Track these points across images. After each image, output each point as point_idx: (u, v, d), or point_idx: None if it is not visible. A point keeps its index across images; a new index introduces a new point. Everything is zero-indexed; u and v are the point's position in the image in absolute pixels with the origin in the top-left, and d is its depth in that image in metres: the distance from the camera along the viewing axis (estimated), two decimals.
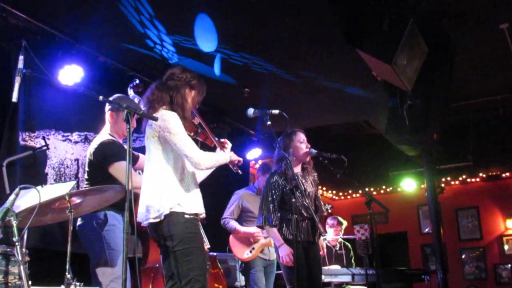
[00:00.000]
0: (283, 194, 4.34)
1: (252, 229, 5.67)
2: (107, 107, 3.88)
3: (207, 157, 3.09)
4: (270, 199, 4.35)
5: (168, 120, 3.01)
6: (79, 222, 3.66)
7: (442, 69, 5.91)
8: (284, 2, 5.01)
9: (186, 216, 2.95)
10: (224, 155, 3.30)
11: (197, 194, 3.11)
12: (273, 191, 4.36)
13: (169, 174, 3.01)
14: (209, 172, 3.43)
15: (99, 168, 3.63)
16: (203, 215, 3.13)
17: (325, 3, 5.00)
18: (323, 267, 6.51)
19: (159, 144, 3.06)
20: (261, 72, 6.44)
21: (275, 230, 4.34)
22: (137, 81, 4.21)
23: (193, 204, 3.02)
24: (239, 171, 3.51)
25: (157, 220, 2.93)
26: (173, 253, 2.91)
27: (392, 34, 5.01)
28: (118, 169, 3.54)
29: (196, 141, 3.23)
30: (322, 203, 4.77)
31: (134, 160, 3.95)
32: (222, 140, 3.48)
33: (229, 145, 3.53)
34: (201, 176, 3.37)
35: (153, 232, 3.03)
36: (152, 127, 3.06)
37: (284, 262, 4.22)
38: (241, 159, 3.43)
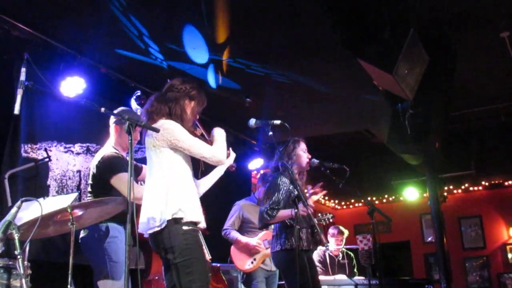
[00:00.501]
0: (288, 198, 4.28)
1: (253, 240, 5.65)
2: (112, 120, 3.90)
3: (219, 150, 3.15)
4: (276, 199, 4.27)
5: (172, 128, 3.01)
6: (82, 234, 3.67)
7: (443, 77, 5.92)
8: (284, 11, 5.03)
9: (185, 227, 2.93)
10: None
11: (196, 202, 3.09)
12: (281, 191, 4.29)
13: (170, 182, 2.99)
14: (214, 179, 3.53)
15: (102, 181, 3.63)
16: (203, 225, 3.10)
17: (326, 12, 5.01)
18: (327, 277, 6.53)
19: (160, 153, 3.05)
20: (263, 82, 6.47)
21: (280, 211, 4.25)
22: (139, 93, 4.22)
23: (192, 211, 3.00)
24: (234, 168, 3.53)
25: (159, 228, 2.91)
26: (174, 265, 2.89)
27: (393, 43, 5.01)
28: (120, 180, 3.54)
29: None
30: (323, 213, 4.78)
31: (138, 171, 3.95)
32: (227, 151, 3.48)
33: (232, 155, 3.53)
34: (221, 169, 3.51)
35: (153, 244, 3.02)
36: (153, 136, 3.05)
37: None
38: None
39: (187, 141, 3.02)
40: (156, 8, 4.90)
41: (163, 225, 2.90)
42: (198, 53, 5.63)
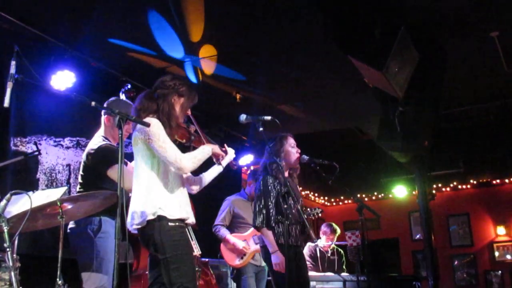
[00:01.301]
0: (277, 197, 4.30)
1: (240, 242, 5.66)
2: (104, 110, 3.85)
3: (188, 160, 3.02)
4: (269, 200, 4.28)
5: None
6: (71, 225, 3.60)
7: (433, 76, 5.95)
8: (277, 10, 5.04)
9: (171, 224, 2.93)
10: (205, 149, 3.20)
11: (181, 199, 3.07)
12: (271, 193, 4.31)
13: (152, 180, 2.99)
14: (212, 176, 3.46)
15: (95, 171, 3.58)
16: (191, 221, 3.10)
17: (318, 11, 5.03)
18: (316, 273, 6.56)
19: (142, 150, 3.05)
20: (254, 77, 6.49)
21: (271, 234, 4.25)
22: (129, 86, 4.21)
23: (176, 209, 2.99)
24: (221, 164, 3.49)
25: (140, 226, 2.92)
26: (162, 261, 2.90)
27: (384, 42, 5.04)
28: (116, 171, 3.50)
29: (192, 148, 3.21)
30: (312, 208, 4.80)
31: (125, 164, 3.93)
32: (223, 148, 3.45)
33: (231, 151, 3.50)
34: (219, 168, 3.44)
35: (142, 240, 3.02)
36: (136, 133, 3.05)
37: (276, 269, 4.19)
38: (223, 154, 3.38)
39: (158, 142, 2.95)
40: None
41: (145, 223, 2.90)
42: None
